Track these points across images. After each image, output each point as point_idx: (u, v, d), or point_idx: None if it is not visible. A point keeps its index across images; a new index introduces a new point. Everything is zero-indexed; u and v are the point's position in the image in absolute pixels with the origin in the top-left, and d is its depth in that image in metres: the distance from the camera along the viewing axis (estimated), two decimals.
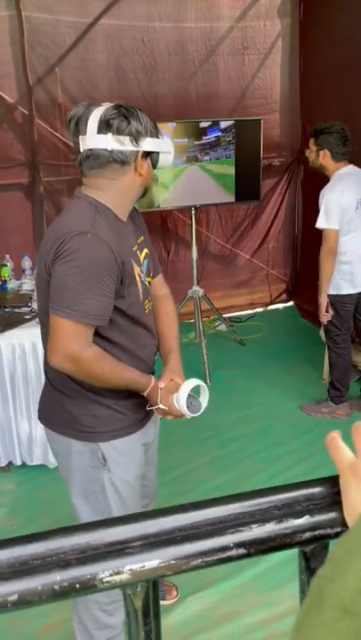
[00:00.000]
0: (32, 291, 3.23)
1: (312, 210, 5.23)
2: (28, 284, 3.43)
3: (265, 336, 4.78)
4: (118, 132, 1.43)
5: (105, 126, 1.42)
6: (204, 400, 1.64)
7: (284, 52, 4.90)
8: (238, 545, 0.52)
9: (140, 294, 1.59)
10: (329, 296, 3.23)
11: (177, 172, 4.01)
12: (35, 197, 4.49)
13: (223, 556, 0.52)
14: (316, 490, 0.58)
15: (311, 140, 3.19)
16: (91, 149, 1.45)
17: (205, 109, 4.65)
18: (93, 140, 1.43)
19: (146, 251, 1.68)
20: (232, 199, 4.29)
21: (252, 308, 5.33)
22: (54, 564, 0.50)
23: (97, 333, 1.48)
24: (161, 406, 1.58)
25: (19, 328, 2.84)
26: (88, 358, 1.43)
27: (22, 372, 2.80)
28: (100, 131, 1.42)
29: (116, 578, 0.50)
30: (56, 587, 0.49)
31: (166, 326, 1.78)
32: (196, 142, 4.06)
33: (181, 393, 1.57)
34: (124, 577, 0.50)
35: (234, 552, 0.52)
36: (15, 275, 3.59)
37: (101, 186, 1.48)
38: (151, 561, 0.51)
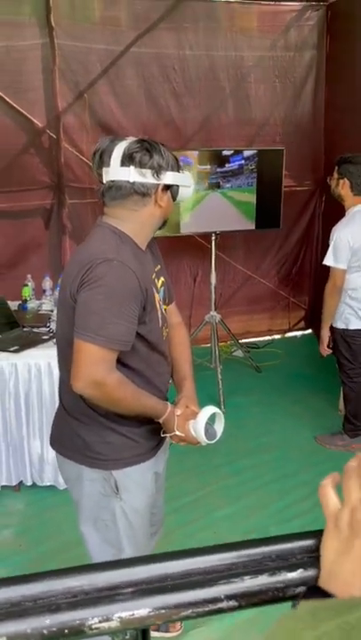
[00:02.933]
0: (51, 311, 3.27)
1: None
2: (47, 305, 3.47)
3: (282, 363, 4.75)
4: (140, 165, 1.48)
5: (128, 159, 1.47)
6: (219, 427, 1.65)
7: (310, 82, 4.96)
8: (230, 597, 0.52)
9: (160, 321, 1.62)
10: (339, 330, 3.22)
11: (198, 197, 4.05)
12: (58, 219, 4.57)
13: (214, 607, 0.52)
14: (312, 542, 0.57)
15: (335, 168, 3.20)
16: (113, 181, 1.49)
17: (234, 135, 4.72)
18: (116, 172, 1.48)
19: (162, 279, 1.71)
20: (252, 226, 4.32)
21: (269, 335, 5.31)
22: (45, 608, 0.51)
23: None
24: (177, 433, 1.59)
25: (36, 348, 2.87)
26: (111, 383, 1.45)
27: (37, 392, 2.82)
28: (123, 163, 1.47)
29: (105, 625, 0.50)
30: (45, 631, 0.49)
31: (180, 353, 1.79)
32: (219, 169, 4.10)
33: (199, 420, 1.58)
34: (113, 624, 0.50)
35: (225, 604, 0.52)
36: (36, 295, 3.64)
37: (123, 216, 1.53)
38: (141, 609, 0.51)
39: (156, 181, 1.50)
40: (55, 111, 4.37)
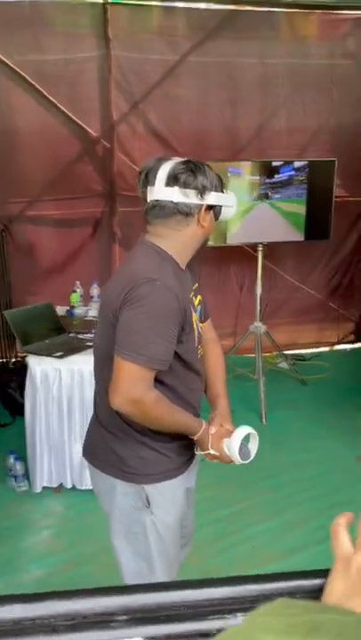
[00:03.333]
0: (97, 317, 3.34)
1: None
2: (94, 311, 3.54)
3: (328, 377, 4.66)
4: (185, 185, 1.51)
5: (173, 180, 1.50)
6: (253, 447, 1.65)
7: None
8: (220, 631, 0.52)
9: (196, 340, 1.64)
10: None
11: (246, 208, 4.04)
12: (109, 227, 4.66)
13: None
14: (317, 582, 0.57)
15: None
16: (157, 200, 1.52)
17: (286, 144, 4.68)
18: (161, 191, 1.51)
19: (199, 297, 1.73)
20: (301, 238, 4.26)
21: (316, 347, 5.22)
22: (42, 629, 0.52)
23: None
24: (211, 452, 1.60)
25: (79, 354, 2.94)
26: (150, 401, 1.48)
27: (79, 397, 2.88)
28: (167, 184, 1.51)
29: None
30: None
31: (214, 370, 1.80)
32: (268, 180, 4.08)
33: (234, 440, 1.59)
34: None
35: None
36: (84, 301, 3.73)
37: (165, 235, 1.56)
38: (133, 638, 0.52)
39: (199, 202, 1.53)
40: (110, 121, 4.46)
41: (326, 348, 5.23)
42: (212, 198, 1.54)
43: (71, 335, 3.18)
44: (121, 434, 1.61)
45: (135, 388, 1.46)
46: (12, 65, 4.11)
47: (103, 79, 4.40)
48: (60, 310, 3.53)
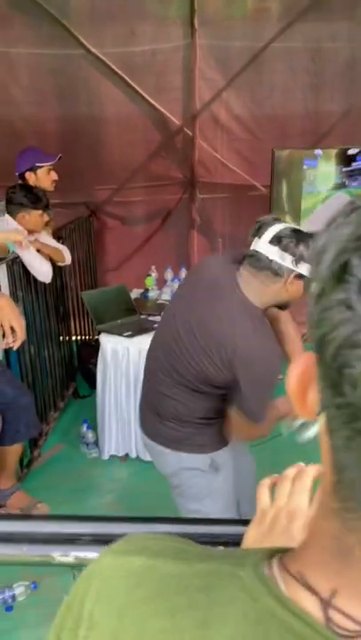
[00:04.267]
0: (168, 301, 3.51)
1: None
2: (166, 295, 3.73)
3: None
4: (285, 249, 1.64)
5: (276, 240, 1.65)
6: None
7: None
8: None
9: None
10: None
11: (320, 198, 4.03)
12: (188, 213, 4.81)
13: None
14: (243, 529, 0.70)
15: None
16: (257, 251, 1.68)
17: None
18: (263, 246, 1.67)
19: None
20: None
21: None
22: (25, 539, 0.70)
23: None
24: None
25: (147, 334, 3.12)
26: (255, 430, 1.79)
27: None
28: (271, 241, 1.65)
29: (64, 559, 0.68)
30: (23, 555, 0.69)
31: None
32: (344, 169, 4.03)
33: None
34: (70, 560, 0.68)
35: None
36: (158, 284, 3.92)
37: (253, 285, 1.71)
38: (92, 553, 0.68)
39: (291, 267, 1.65)
40: (193, 110, 4.58)
41: None
42: (304, 269, 1.65)
43: (142, 317, 3.38)
44: (184, 424, 1.85)
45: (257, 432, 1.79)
46: (101, 57, 4.32)
47: (188, 68, 4.51)
48: (136, 293, 3.74)
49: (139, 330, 3.18)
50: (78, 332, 4.32)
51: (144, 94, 4.47)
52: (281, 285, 1.67)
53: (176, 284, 3.72)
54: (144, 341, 3.06)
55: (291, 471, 0.71)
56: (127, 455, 3.31)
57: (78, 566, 0.70)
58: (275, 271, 1.65)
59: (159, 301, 3.68)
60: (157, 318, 3.31)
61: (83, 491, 3.04)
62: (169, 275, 3.91)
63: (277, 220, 1.71)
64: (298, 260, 1.63)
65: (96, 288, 4.34)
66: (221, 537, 0.71)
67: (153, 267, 3.96)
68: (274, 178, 4.12)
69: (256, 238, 1.68)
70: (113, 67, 4.35)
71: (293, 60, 4.56)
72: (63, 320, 3.85)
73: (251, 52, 4.49)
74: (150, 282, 3.86)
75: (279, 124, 4.61)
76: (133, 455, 3.27)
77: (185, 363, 1.74)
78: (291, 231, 1.65)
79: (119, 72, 4.37)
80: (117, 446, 3.29)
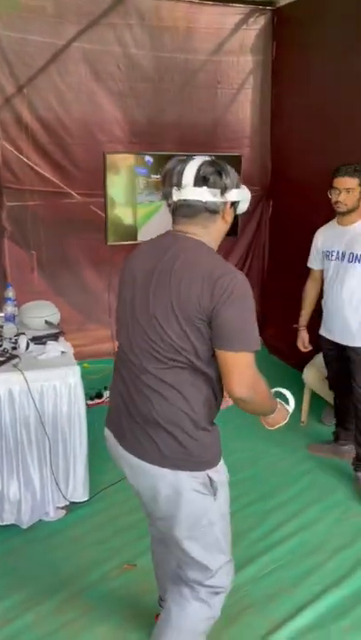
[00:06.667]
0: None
1: (278, 244, 5.20)
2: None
3: None
4: (213, 186, 1.60)
5: (202, 181, 1.59)
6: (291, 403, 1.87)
7: (255, 88, 4.86)
8: None
9: None
10: None
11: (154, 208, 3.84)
12: None
13: None
14: None
15: (350, 181, 2.89)
16: (186, 200, 1.61)
17: (179, 141, 4.54)
18: (189, 192, 1.59)
19: None
20: None
21: None
22: None
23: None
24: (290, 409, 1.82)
25: None
26: (262, 380, 1.61)
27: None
28: (196, 184, 1.58)
29: None
30: None
31: None
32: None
33: (289, 395, 1.88)
34: None
35: None
36: None
37: (195, 232, 1.64)
38: None
39: (223, 200, 1.63)
40: None
41: None
42: (233, 195, 1.64)
43: None
44: (178, 427, 1.61)
45: (252, 372, 1.56)
46: None
47: None
48: None
49: None
50: None
51: None
52: (220, 220, 1.67)
53: None
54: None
55: None
56: None
57: None
58: (212, 210, 1.62)
59: None
60: None
61: None
62: None
63: (184, 161, 1.61)
64: (226, 190, 1.61)
65: None
66: None
67: None
68: (107, 183, 3.89)
69: (175, 188, 1.60)
70: None
71: (98, 64, 4.34)
72: None
73: (52, 50, 4.14)
74: None
75: (83, 126, 4.37)
76: None
77: (168, 342, 1.58)
78: (210, 167, 1.60)
79: None
80: None
